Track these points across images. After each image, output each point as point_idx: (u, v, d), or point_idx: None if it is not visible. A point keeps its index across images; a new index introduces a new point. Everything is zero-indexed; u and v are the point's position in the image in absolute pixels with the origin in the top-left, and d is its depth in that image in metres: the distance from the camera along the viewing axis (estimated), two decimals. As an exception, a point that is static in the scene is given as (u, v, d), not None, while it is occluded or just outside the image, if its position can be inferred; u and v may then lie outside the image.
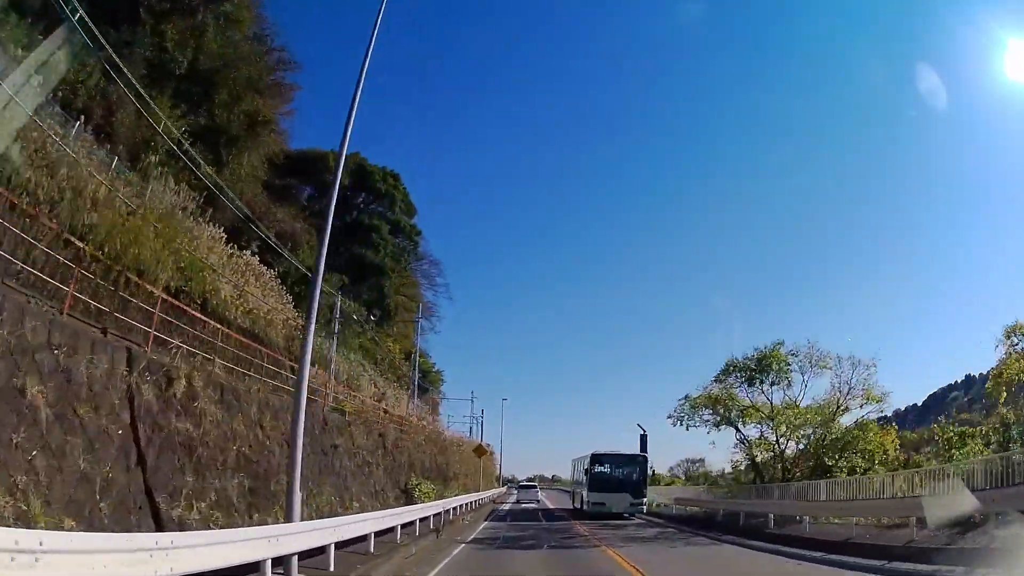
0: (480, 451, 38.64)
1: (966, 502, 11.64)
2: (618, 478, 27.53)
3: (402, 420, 28.11)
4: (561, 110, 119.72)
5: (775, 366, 25.13)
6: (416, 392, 35.87)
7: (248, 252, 19.13)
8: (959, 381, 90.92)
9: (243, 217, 20.64)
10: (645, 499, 27.91)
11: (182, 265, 13.14)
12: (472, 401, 64.89)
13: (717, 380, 26.98)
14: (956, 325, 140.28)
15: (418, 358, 48.75)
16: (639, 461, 28.68)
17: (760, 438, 28.38)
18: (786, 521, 19.20)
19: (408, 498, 23.34)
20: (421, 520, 17.04)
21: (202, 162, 17.66)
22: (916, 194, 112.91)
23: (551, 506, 37.87)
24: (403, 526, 14.37)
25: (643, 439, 38.33)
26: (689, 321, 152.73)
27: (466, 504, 29.43)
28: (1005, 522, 10.91)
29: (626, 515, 27.04)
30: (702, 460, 60.29)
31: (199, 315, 13.14)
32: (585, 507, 27.61)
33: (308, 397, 18.66)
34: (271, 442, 13.84)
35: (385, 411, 25.28)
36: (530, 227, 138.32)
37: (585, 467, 28.55)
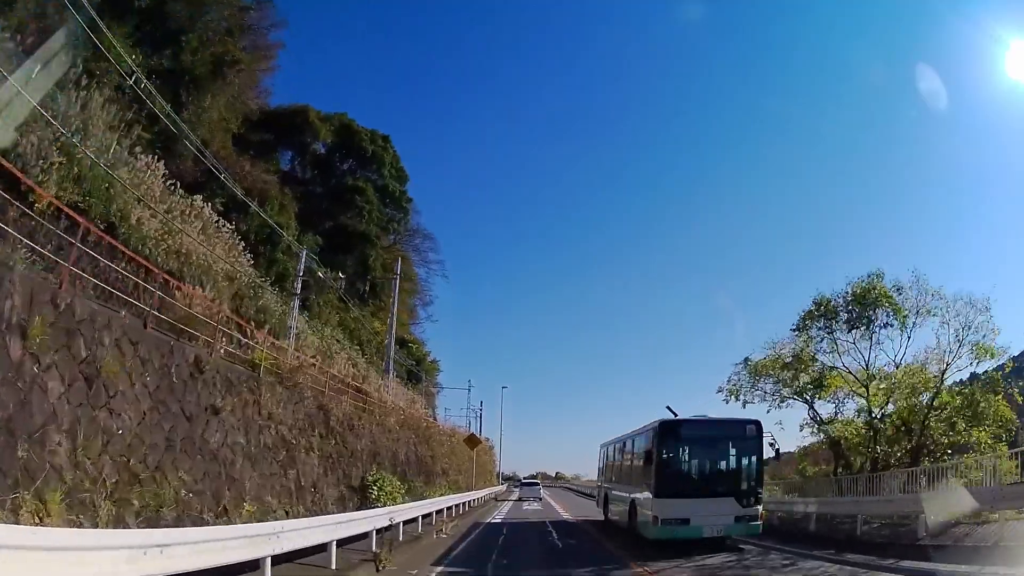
0: (472, 441, 31.41)
1: None
2: (715, 470, 14.40)
3: (365, 394, 21.01)
4: (563, 107, 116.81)
5: (883, 305, 17.92)
6: (392, 366, 28.77)
7: (200, 199, 16.07)
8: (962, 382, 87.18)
9: (196, 153, 17.33)
10: (760, 508, 13.73)
11: (78, 172, 10.66)
12: (469, 390, 57.62)
13: (798, 330, 19.74)
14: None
15: (396, 323, 41.84)
16: (749, 435, 13.94)
17: (836, 416, 21.35)
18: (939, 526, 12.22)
19: (363, 499, 16.30)
20: (344, 541, 9.83)
21: (156, 94, 15.09)
22: (916, 194, 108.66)
23: (563, 513, 26.81)
24: (279, 559, 7.14)
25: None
26: (693, 319, 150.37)
27: (453, 507, 22.29)
28: None
29: (728, 539, 13.90)
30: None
31: (102, 234, 10.28)
32: (646, 527, 13.75)
33: (168, 322, 11.69)
34: (43, 371, 6.99)
35: (334, 377, 18.16)
36: (532, 225, 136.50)
37: (644, 449, 14.77)
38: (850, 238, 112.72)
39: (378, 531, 11.85)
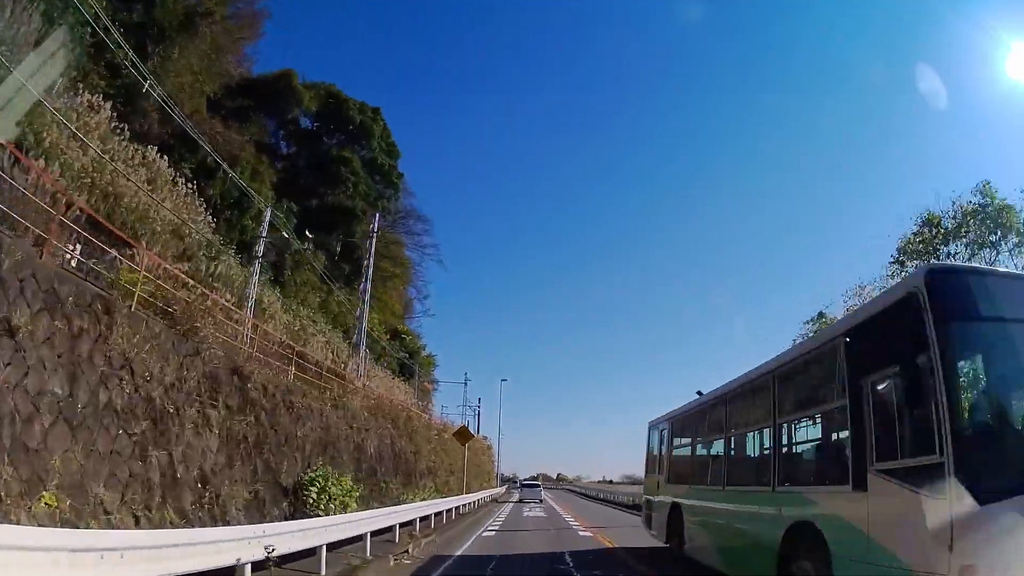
0: (464, 435, 26.46)
1: None
2: None
3: (315, 364, 16.33)
4: (561, 102, 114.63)
5: (1007, 224, 13.23)
6: (364, 339, 24.10)
7: (154, 150, 15.24)
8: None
9: (160, 100, 16.05)
10: None
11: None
12: (465, 384, 52.84)
13: (898, 263, 14.95)
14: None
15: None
16: None
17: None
18: None
19: (296, 503, 11.59)
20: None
21: (120, 38, 13.89)
22: (913, 188, 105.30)
23: (578, 527, 18.63)
24: None
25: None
26: (691, 314, 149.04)
27: (432, 516, 17.50)
28: None
29: None
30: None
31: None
32: None
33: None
34: None
35: (271, 336, 13.47)
36: (530, 219, 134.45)
37: (868, 375, 4.79)
38: (847, 232, 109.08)
39: (274, 561, 7.12)
